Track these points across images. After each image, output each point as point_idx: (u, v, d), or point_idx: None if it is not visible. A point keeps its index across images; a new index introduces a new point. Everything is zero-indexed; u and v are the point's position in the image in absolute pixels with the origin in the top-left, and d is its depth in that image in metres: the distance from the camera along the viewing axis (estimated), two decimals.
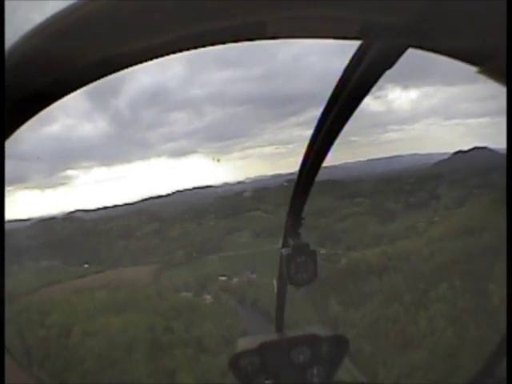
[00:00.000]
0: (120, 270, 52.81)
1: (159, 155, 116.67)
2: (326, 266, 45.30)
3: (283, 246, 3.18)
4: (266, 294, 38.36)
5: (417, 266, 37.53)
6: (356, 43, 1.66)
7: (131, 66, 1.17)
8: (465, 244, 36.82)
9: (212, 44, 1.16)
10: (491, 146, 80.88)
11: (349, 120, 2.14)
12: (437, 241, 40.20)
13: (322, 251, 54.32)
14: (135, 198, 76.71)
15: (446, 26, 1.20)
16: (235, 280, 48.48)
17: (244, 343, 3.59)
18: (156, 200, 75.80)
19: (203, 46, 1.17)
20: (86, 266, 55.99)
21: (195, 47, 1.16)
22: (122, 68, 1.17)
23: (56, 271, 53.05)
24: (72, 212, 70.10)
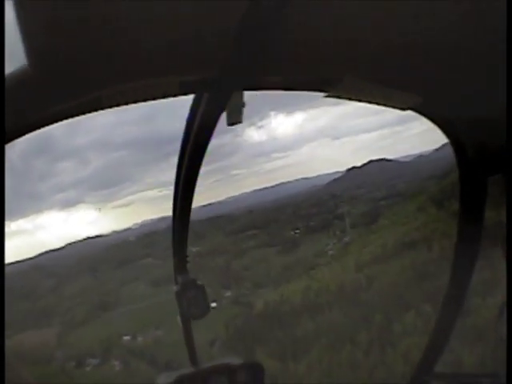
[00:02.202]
0: (25, 334, 45.81)
1: (51, 207, 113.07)
2: (240, 311, 40.76)
3: (176, 284, 3.25)
4: (178, 353, 30.61)
5: (356, 297, 30.48)
6: None
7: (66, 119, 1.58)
8: (411, 260, 31.35)
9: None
10: (388, 156, 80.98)
11: (202, 161, 2.25)
12: (369, 264, 34.25)
13: (227, 294, 50.00)
14: (33, 253, 73.52)
15: (276, 64, 1.51)
16: (140, 339, 42.17)
17: (162, 379, 3.29)
18: (52, 254, 70.84)
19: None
20: None
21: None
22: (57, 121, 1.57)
23: None
24: None
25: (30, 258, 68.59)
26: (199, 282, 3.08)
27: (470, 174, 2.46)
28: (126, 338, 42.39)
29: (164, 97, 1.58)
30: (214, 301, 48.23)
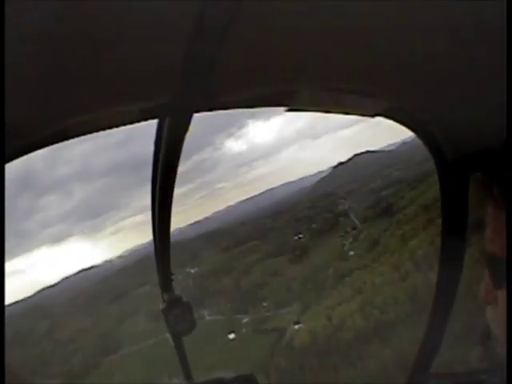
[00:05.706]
0: None
1: (41, 244, 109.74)
2: (269, 339, 34.36)
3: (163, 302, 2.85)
4: None
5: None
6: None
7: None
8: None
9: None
10: (371, 148, 79.82)
11: (174, 181, 2.04)
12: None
13: (245, 320, 41.08)
14: (30, 292, 70.92)
15: (225, 88, 1.38)
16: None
17: None
18: (47, 291, 70.03)
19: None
20: None
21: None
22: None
23: None
24: None
25: (29, 297, 65.71)
26: (184, 299, 2.69)
27: (448, 172, 2.06)
28: None
29: (125, 124, 1.49)
30: (231, 332, 40.21)
